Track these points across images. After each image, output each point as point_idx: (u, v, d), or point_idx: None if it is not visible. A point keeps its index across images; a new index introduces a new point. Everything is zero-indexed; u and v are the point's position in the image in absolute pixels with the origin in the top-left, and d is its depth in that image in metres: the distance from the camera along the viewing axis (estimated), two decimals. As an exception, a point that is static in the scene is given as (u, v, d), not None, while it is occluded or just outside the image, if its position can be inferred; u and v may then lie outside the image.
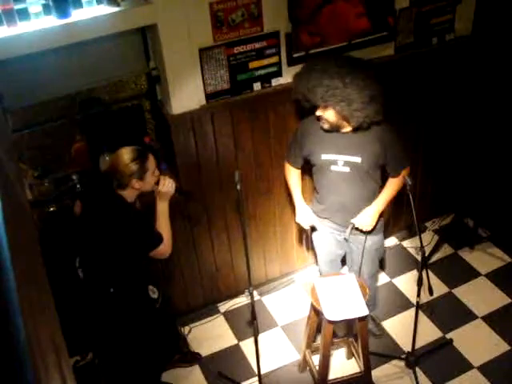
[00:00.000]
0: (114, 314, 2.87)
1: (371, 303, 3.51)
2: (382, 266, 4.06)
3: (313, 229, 3.34)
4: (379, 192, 3.12)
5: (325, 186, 3.12)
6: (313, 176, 3.21)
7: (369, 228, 3.11)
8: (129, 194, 2.69)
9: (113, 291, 2.77)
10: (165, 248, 2.77)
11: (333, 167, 3.01)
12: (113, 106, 3.22)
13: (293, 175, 3.28)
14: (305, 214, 3.27)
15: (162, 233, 2.75)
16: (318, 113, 2.91)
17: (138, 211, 2.79)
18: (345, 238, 3.23)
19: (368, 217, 3.08)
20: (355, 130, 2.91)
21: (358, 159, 2.95)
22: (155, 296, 2.94)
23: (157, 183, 2.73)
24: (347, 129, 2.94)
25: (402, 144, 3.06)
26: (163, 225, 2.77)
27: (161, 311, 3.00)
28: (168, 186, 2.73)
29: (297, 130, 3.17)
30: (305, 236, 3.47)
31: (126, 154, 2.64)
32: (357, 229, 3.14)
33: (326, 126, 2.95)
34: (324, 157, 3.01)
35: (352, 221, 3.11)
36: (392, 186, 3.10)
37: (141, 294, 2.90)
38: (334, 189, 3.09)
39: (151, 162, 2.68)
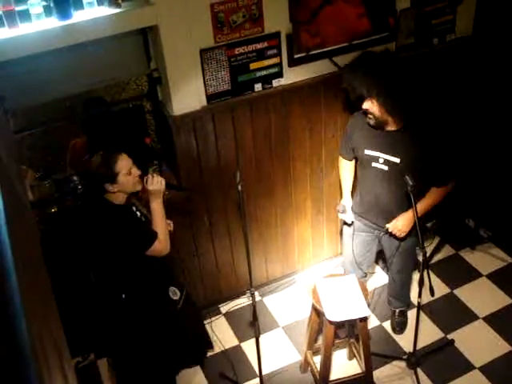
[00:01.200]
0: (127, 319, 2.86)
1: (404, 299, 3.64)
2: (384, 266, 4.07)
3: (345, 223, 3.38)
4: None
5: (364, 181, 3.19)
6: (357, 170, 3.28)
7: (402, 235, 3.14)
8: (113, 197, 2.67)
9: (125, 297, 2.76)
10: (160, 245, 2.73)
11: (373, 163, 3.05)
12: (114, 107, 3.22)
13: (344, 166, 3.35)
14: (345, 205, 3.32)
15: (156, 231, 2.73)
16: (365, 106, 2.96)
17: (126, 212, 2.75)
18: (378, 238, 3.29)
19: (402, 224, 3.10)
20: (400, 129, 2.96)
21: (397, 160, 2.98)
22: (176, 297, 2.94)
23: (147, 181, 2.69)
24: (392, 127, 2.97)
25: (449, 155, 3.03)
26: (157, 222, 2.74)
27: (182, 312, 2.99)
28: (156, 184, 2.68)
29: (348, 122, 3.25)
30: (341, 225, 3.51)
31: (94, 160, 2.62)
32: (390, 234, 3.17)
33: (371, 122, 2.98)
34: (367, 152, 3.06)
35: (387, 225, 3.14)
36: (432, 197, 3.08)
37: (158, 297, 2.88)
38: (372, 185, 3.13)
39: (122, 163, 2.61)
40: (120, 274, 2.76)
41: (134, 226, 2.73)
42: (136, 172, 2.68)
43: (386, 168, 3.02)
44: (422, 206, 3.04)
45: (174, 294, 2.94)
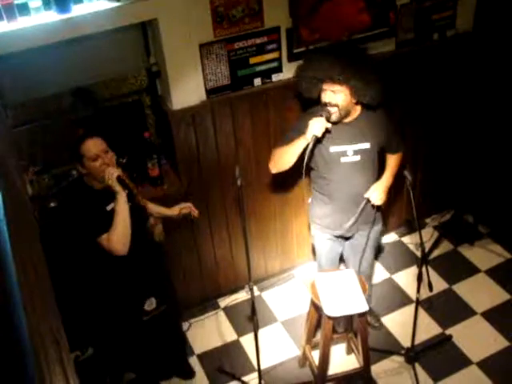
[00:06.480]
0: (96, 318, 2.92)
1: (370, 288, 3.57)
2: (383, 262, 4.08)
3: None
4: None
5: (333, 181, 3.03)
6: (314, 178, 3.12)
7: (380, 202, 3.06)
8: (87, 179, 2.64)
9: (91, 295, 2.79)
10: (108, 244, 2.57)
11: (343, 159, 2.96)
12: (113, 101, 3.21)
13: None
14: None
15: (112, 228, 2.58)
16: (327, 98, 2.82)
17: (93, 198, 2.63)
18: (345, 233, 3.19)
19: (380, 190, 3.06)
20: (358, 116, 2.92)
21: (367, 145, 2.95)
22: (149, 308, 2.88)
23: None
24: (352, 116, 2.92)
25: (397, 124, 3.13)
26: (114, 221, 2.59)
27: (150, 324, 2.94)
28: (108, 175, 2.53)
29: (297, 123, 3.03)
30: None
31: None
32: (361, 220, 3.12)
33: (335, 116, 2.85)
34: (333, 149, 2.94)
35: (365, 195, 3.05)
36: (395, 162, 3.17)
37: (125, 305, 2.86)
38: (345, 181, 3.01)
39: (86, 147, 2.53)
40: (83, 269, 2.75)
41: (90, 213, 2.59)
42: (108, 160, 2.56)
43: (357, 158, 2.96)
44: (390, 172, 3.15)
45: (149, 304, 2.87)
